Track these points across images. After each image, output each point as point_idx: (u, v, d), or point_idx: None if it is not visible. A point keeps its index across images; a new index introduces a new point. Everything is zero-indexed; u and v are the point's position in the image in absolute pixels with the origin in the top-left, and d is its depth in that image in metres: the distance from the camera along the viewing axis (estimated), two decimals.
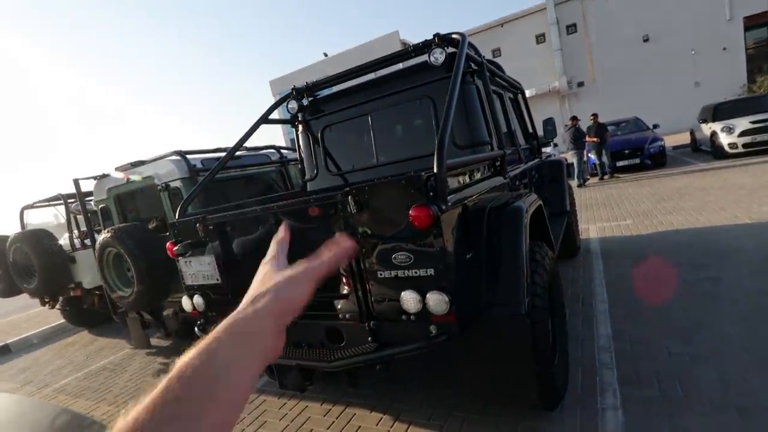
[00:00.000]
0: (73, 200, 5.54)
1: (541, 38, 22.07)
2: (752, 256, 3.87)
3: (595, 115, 10.62)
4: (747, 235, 4.48)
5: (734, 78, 18.72)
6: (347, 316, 1.83)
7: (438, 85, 2.63)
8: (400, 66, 2.97)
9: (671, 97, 19.46)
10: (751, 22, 18.44)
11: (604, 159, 10.55)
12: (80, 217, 5.83)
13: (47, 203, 6.00)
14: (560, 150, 13.66)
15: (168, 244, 2.37)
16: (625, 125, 12.33)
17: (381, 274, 1.68)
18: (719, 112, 10.41)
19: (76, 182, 4.44)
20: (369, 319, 1.76)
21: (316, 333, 1.98)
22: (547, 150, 11.50)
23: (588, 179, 10.73)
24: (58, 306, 6.08)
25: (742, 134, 9.33)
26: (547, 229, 2.63)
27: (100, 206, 4.40)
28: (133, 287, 3.70)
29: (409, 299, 1.60)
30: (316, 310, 1.95)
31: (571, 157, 10.45)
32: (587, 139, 10.47)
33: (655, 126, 11.52)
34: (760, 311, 2.90)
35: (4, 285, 5.58)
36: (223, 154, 4.13)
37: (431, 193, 1.54)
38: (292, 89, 3.15)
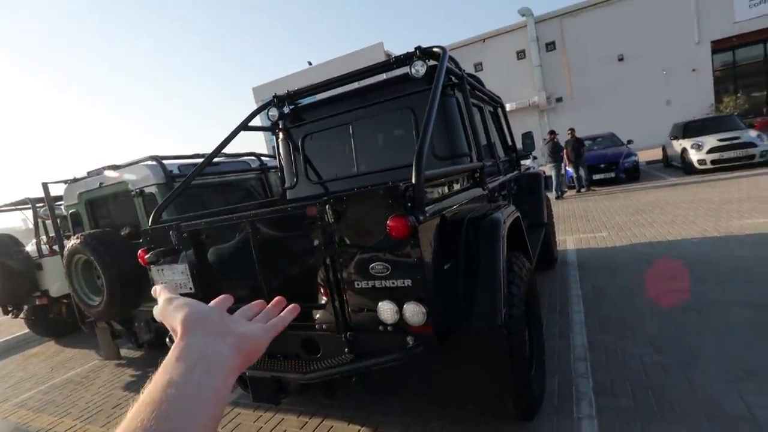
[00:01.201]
0: (41, 204, 5.33)
1: (521, 54, 22.65)
2: (719, 269, 4.01)
3: (572, 130, 10.93)
4: (715, 247, 4.65)
5: (703, 98, 19.59)
6: (324, 326, 1.81)
7: (419, 96, 2.66)
8: (383, 76, 2.99)
9: (644, 114, 20.20)
10: (718, 46, 19.39)
11: (581, 172, 10.84)
12: (49, 222, 5.62)
13: (13, 207, 5.76)
14: (539, 163, 13.97)
15: (140, 251, 2.30)
16: (601, 140, 12.72)
17: (358, 284, 1.66)
18: (689, 129, 10.86)
19: (45, 186, 4.28)
20: (346, 330, 1.74)
21: (291, 344, 1.94)
22: (527, 163, 11.74)
23: (566, 192, 10.99)
24: (22, 315, 5.81)
25: (711, 151, 9.74)
26: (524, 240, 2.67)
27: (71, 211, 4.24)
28: (102, 296, 3.56)
29: (386, 310, 1.59)
30: (296, 320, 1.91)
31: (549, 170, 10.69)
32: (564, 153, 10.76)
33: (630, 141, 11.94)
34: (727, 322, 2.99)
35: None
36: (201, 161, 4.07)
37: (409, 204, 1.54)
38: (273, 97, 3.13)
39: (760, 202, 6.31)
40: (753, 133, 9.83)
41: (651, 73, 20.32)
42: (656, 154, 14.91)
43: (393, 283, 1.58)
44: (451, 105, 2.67)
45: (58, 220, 4.64)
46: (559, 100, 22.40)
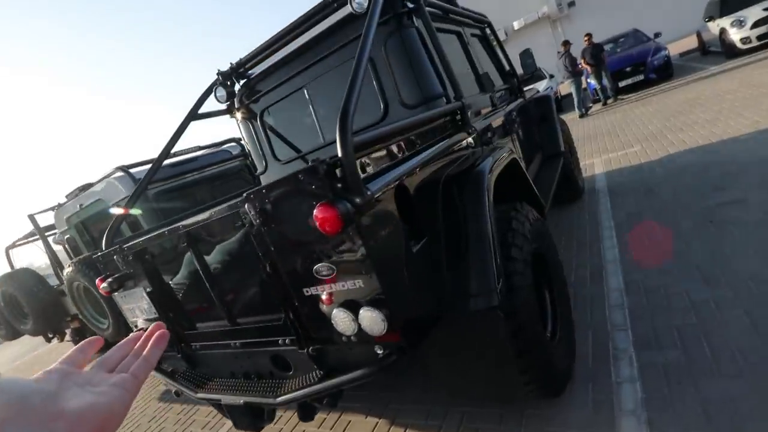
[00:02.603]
0: (52, 232, 5.33)
1: None
2: None
3: (588, 35, 9.75)
4: None
5: None
6: (287, 341, 1.53)
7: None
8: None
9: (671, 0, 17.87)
10: None
11: (605, 82, 9.76)
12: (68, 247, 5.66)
13: (27, 240, 5.84)
14: (557, 81, 12.79)
15: (97, 280, 2.09)
16: (623, 40, 11.35)
17: (307, 291, 1.35)
18: (727, 5, 9.37)
19: (32, 218, 4.19)
20: (308, 344, 1.45)
21: (263, 361, 1.69)
22: (542, 85, 10.70)
23: (590, 107, 10.01)
24: (67, 338, 6.04)
25: (756, 25, 8.38)
26: (528, 184, 2.24)
27: (66, 237, 4.17)
28: (108, 318, 3.50)
29: (341, 320, 1.28)
30: (259, 336, 1.65)
31: (569, 86, 9.72)
32: (581, 63, 9.67)
33: (657, 35, 10.53)
34: None
35: (5, 329, 5.52)
36: (174, 159, 3.79)
37: (339, 185, 1.18)
38: (218, 74, 2.74)
39: None
40: None
41: None
42: (690, 42, 13.24)
43: (343, 286, 1.25)
44: (410, 38, 2.17)
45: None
46: (571, 4, 20.17)
